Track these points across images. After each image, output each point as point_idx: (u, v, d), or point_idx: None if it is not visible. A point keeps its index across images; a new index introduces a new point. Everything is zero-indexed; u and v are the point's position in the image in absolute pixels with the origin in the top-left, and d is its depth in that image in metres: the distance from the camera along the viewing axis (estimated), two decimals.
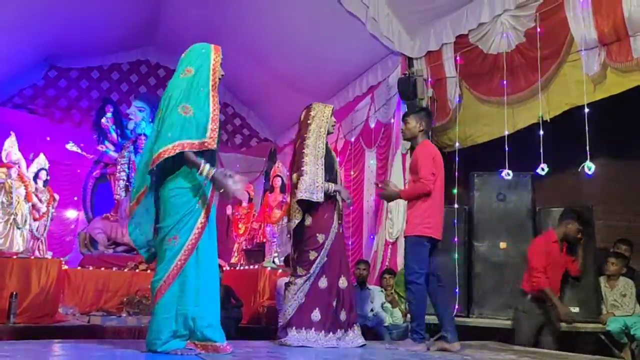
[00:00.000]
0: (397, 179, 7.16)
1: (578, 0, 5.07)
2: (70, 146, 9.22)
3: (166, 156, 3.03)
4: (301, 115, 4.40)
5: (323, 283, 3.97)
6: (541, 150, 5.09)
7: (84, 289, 7.33)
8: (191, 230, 3.12)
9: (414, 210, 3.96)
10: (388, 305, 6.08)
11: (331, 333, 3.91)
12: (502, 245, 5.48)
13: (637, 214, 6.02)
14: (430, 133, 4.23)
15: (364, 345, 4.04)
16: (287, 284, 4.03)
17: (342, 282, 4.06)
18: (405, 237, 4.02)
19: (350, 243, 8.58)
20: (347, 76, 8.77)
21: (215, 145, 3.18)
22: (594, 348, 4.92)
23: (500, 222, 5.55)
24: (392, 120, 7.56)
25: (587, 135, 4.77)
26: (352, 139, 8.75)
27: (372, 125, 8.12)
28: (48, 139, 9.80)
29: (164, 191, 3.15)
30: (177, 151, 3.04)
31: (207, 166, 3.13)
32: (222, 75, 3.37)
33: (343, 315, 4.01)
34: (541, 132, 5.25)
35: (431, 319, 4.25)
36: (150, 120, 9.38)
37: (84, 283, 7.36)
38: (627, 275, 5.19)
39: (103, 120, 9.12)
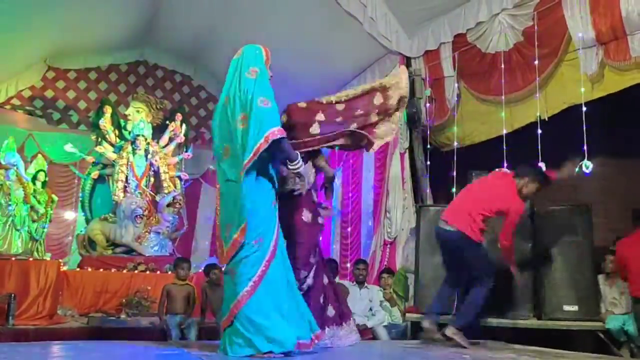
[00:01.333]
0: (396, 178, 7.18)
1: None
2: (69, 147, 9.21)
3: (273, 138, 3.06)
4: None
5: (309, 281, 3.89)
6: (539, 149, 5.09)
7: (83, 290, 7.31)
8: (274, 229, 3.19)
9: None
10: (387, 304, 6.08)
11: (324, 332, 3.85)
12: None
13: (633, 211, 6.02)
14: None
15: (358, 341, 3.94)
16: None
17: (324, 279, 3.98)
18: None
19: (348, 243, 8.59)
20: (346, 76, 8.77)
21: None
22: (593, 346, 4.93)
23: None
24: None
25: (584, 134, 4.77)
26: None
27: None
28: (47, 140, 9.79)
29: (245, 191, 3.14)
30: (279, 136, 3.07)
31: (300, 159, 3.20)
32: (271, 76, 3.41)
33: (330, 311, 3.94)
34: (539, 131, 5.25)
35: None
36: (148, 121, 9.37)
37: (82, 284, 7.35)
38: None
39: (101, 121, 9.11)
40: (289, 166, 3.19)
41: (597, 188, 5.94)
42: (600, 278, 5.19)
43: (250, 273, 3.07)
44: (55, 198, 8.48)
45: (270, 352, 2.96)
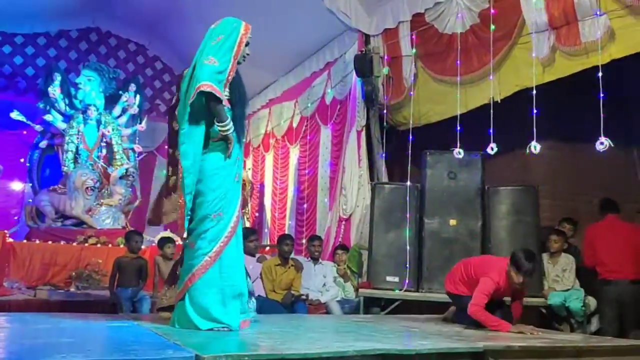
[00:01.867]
0: (352, 155, 7.22)
1: None
2: (16, 115, 8.88)
3: (201, 89, 3.03)
4: None
5: None
6: (491, 130, 5.21)
7: (30, 262, 7.13)
8: (235, 205, 3.17)
9: None
10: (340, 279, 6.17)
11: None
12: (452, 222, 5.62)
13: (581, 193, 6.26)
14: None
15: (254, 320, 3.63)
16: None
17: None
18: None
19: (304, 219, 8.64)
20: (304, 52, 8.71)
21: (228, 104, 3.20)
22: (536, 322, 5.13)
23: (450, 199, 5.69)
24: (348, 97, 7.58)
25: (534, 117, 4.90)
26: (308, 115, 8.74)
27: (328, 102, 8.13)
28: None
29: (205, 164, 3.13)
30: (207, 89, 3.04)
31: (231, 124, 3.16)
32: (247, 54, 3.34)
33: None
34: (492, 112, 5.36)
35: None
36: (101, 90, 9.11)
37: (30, 256, 7.16)
38: (569, 251, 5.42)
39: (50, 88, 8.79)
40: (218, 126, 3.16)
41: (545, 170, 6.13)
42: (545, 256, 5.40)
43: (207, 249, 3.09)
44: (1, 167, 8.19)
45: (211, 329, 3.04)
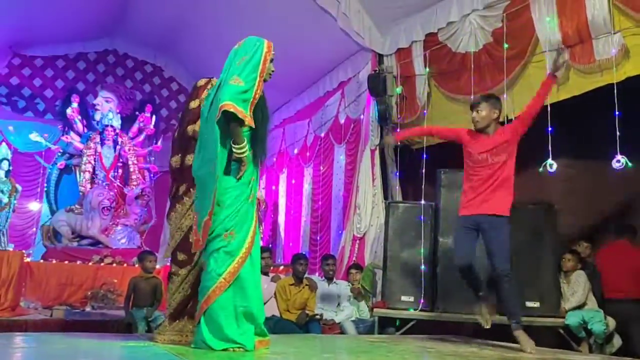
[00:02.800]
0: (366, 174, 7.23)
1: (543, 1, 5.19)
2: (34, 136, 9.02)
3: (224, 109, 3.00)
4: None
5: None
6: None
7: (47, 282, 7.19)
8: (249, 226, 3.15)
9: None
10: (355, 299, 6.14)
11: None
12: None
13: (598, 212, 6.19)
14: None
15: None
16: (170, 275, 3.63)
17: None
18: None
19: (318, 238, 8.63)
20: (318, 71, 8.78)
21: (252, 124, 3.13)
22: (554, 342, 5.06)
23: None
24: (362, 116, 7.61)
25: (549, 135, 4.88)
26: (322, 134, 8.77)
27: (342, 121, 8.17)
28: (11, 128, 9.56)
29: (219, 182, 3.11)
30: (230, 110, 3.00)
31: (247, 146, 3.12)
32: (273, 71, 3.34)
33: None
34: None
35: None
36: (118, 111, 9.24)
37: (47, 276, 7.22)
38: (586, 270, 5.35)
39: (68, 110, 8.95)
40: (234, 148, 3.12)
41: (561, 188, 6.07)
42: (561, 276, 5.33)
43: (221, 269, 3.05)
44: (20, 188, 8.32)
45: (226, 349, 3.00)
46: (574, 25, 4.92)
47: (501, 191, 3.97)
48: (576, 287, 5.15)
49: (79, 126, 9.06)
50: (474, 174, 4.02)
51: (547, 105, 5.09)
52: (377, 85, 6.87)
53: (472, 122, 4.08)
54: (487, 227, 3.93)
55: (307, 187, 9.48)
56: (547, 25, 5.15)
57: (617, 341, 5.11)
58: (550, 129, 4.93)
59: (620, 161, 4.34)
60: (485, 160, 3.99)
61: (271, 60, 3.31)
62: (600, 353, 4.81)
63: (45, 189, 9.35)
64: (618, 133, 4.40)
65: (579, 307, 5.13)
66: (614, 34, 4.67)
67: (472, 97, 5.86)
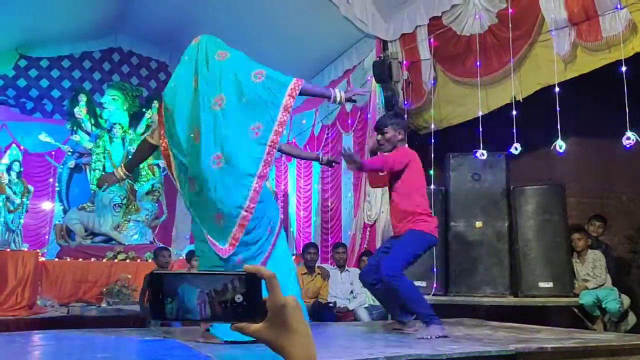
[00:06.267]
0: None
1: None
2: (44, 137, 9.08)
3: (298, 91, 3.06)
4: None
5: None
6: (514, 130, 5.16)
7: (62, 280, 7.27)
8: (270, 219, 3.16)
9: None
10: None
11: None
12: (478, 224, 5.57)
13: (609, 190, 6.16)
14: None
15: None
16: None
17: None
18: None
19: (329, 227, 8.65)
20: (323, 60, 8.75)
21: None
22: (568, 321, 5.06)
23: (475, 201, 5.64)
24: (368, 104, 7.58)
25: (558, 115, 4.85)
26: (329, 123, 8.76)
27: (349, 109, 8.14)
28: (21, 130, 9.64)
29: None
30: (300, 86, 3.08)
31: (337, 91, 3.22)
32: None
33: None
34: (514, 112, 5.32)
35: None
36: (125, 109, 9.27)
37: (62, 274, 7.30)
38: (599, 249, 5.33)
39: (76, 109, 8.98)
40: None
41: (571, 168, 6.04)
42: (574, 256, 5.32)
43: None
44: (31, 188, 8.39)
45: (234, 341, 2.90)
46: (580, 3, 4.86)
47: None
48: (598, 270, 5.12)
49: (88, 125, 9.11)
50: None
51: (554, 85, 5.06)
52: (382, 71, 6.83)
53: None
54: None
55: (316, 176, 9.48)
56: (552, 4, 5.09)
57: (632, 319, 5.10)
58: (558, 108, 4.89)
59: (630, 138, 4.30)
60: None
61: None
62: (615, 331, 4.80)
63: (57, 188, 9.42)
64: (628, 110, 4.36)
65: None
66: (621, 9, 4.61)
67: (478, 79, 5.84)
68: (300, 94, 3.12)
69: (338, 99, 3.27)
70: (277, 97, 3.05)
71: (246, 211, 2.96)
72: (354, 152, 3.87)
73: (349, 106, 7.95)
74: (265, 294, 0.85)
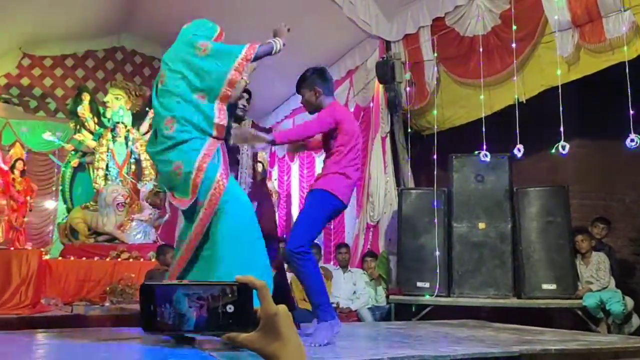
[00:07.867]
0: (377, 162, 7.22)
1: None
2: (47, 136, 9.10)
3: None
4: None
5: None
6: (517, 132, 5.16)
7: (66, 279, 7.28)
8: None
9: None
10: (372, 282, 6.15)
11: None
12: (481, 225, 5.58)
13: (612, 192, 6.15)
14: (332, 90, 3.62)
15: None
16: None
17: None
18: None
19: (332, 227, 8.65)
20: (326, 60, 8.73)
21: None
22: (571, 323, 5.06)
23: (478, 202, 5.65)
24: (371, 104, 7.58)
25: (561, 116, 4.85)
26: None
27: (352, 110, 8.15)
28: (24, 129, 9.66)
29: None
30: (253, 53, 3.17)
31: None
32: (255, 68, 3.55)
33: None
34: (517, 114, 5.32)
35: None
36: (128, 108, 9.28)
37: (65, 273, 7.31)
38: (602, 251, 5.33)
39: (79, 108, 9.00)
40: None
41: (574, 169, 6.04)
42: (577, 257, 5.32)
43: None
44: (35, 187, 8.40)
45: None
46: (583, 4, 4.87)
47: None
48: (602, 273, 5.12)
49: (91, 124, 9.12)
50: None
51: (557, 87, 5.07)
52: (385, 72, 6.84)
53: None
54: None
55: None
56: (555, 5, 5.09)
57: (635, 321, 5.10)
58: (562, 110, 4.89)
59: (634, 140, 4.30)
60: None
61: None
62: (618, 333, 4.80)
63: (60, 187, 9.44)
64: (631, 111, 4.36)
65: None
66: (624, 11, 4.61)
67: (482, 80, 5.84)
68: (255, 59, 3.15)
69: (279, 47, 3.32)
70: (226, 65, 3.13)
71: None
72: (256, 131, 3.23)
73: None
74: (257, 304, 0.86)
